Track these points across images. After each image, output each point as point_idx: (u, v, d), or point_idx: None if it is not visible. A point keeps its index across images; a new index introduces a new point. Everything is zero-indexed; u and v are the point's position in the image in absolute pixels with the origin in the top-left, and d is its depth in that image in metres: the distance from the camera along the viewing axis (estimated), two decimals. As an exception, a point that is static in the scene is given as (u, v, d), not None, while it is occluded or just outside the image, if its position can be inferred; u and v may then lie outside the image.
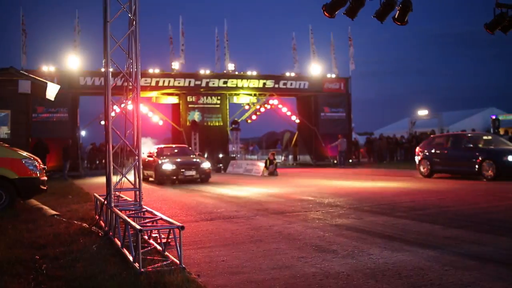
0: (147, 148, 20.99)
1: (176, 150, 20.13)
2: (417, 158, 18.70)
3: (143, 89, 25.47)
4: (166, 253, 5.65)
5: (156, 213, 6.69)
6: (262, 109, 32.15)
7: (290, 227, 7.73)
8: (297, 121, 31.74)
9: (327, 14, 11.48)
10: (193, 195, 13.45)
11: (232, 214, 9.45)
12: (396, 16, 11.81)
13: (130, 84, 7.79)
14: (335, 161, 28.30)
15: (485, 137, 17.84)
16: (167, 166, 17.73)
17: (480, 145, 16.53)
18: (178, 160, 18.30)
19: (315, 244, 6.40)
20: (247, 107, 31.69)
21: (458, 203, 10.07)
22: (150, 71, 27.26)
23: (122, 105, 8.06)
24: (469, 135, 18.26)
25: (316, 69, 30.88)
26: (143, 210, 7.25)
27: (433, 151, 17.88)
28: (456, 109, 48.59)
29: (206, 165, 18.40)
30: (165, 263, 5.29)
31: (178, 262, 5.17)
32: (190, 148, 22.58)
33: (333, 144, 28.01)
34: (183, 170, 17.76)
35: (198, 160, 18.84)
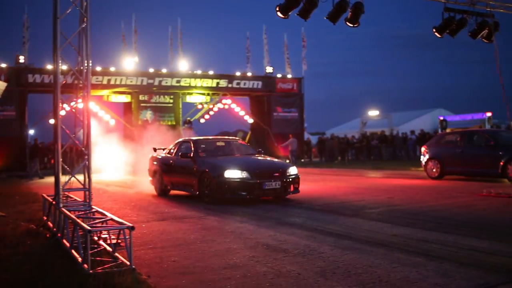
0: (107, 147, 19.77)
1: (222, 144, 13.14)
2: (423, 158, 16.65)
3: (94, 88, 24.97)
4: (116, 254, 5.58)
5: (106, 213, 6.60)
6: (215, 109, 32.06)
7: (242, 227, 7.75)
8: (250, 120, 31.82)
9: (280, 15, 11.56)
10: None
11: (184, 214, 9.41)
12: (348, 18, 12.00)
13: (81, 82, 7.66)
14: (288, 161, 28.50)
15: (504, 134, 15.88)
16: (234, 173, 10.56)
17: (503, 143, 14.24)
18: (247, 162, 11.45)
19: (267, 243, 6.44)
20: (200, 106, 31.54)
21: (405, 202, 10.32)
22: (101, 69, 26.76)
23: (72, 104, 7.92)
24: (488, 131, 16.57)
25: (269, 69, 31.07)
26: (93, 210, 7.14)
27: (444, 150, 15.91)
28: (405, 110, 49.72)
29: (294, 170, 11.34)
30: (114, 264, 5.22)
31: (128, 263, 5.11)
32: (244, 142, 14.91)
33: (283, 144, 28.21)
34: (261, 180, 10.59)
35: (279, 162, 12.49)
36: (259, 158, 12.44)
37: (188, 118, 30.32)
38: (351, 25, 12.05)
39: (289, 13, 11.55)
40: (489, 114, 33.34)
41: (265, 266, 5.27)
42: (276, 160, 12.99)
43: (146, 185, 13.79)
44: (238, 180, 10.54)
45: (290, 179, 11.03)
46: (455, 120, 36.30)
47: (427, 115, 42.85)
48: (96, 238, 6.38)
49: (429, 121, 39.74)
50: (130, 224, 5.32)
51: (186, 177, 11.78)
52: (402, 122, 40.39)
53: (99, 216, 6.75)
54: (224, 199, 10.55)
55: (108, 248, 5.92)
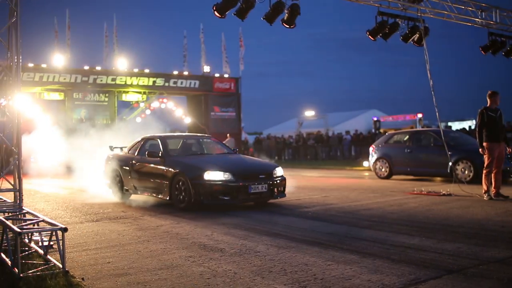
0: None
1: (194, 142, 11.87)
2: (371, 158, 16.60)
3: (25, 85, 24.18)
4: (48, 256, 5.42)
5: (37, 214, 6.40)
6: (152, 107, 31.70)
7: (178, 227, 7.71)
8: (188, 120, 31.64)
9: (217, 14, 11.53)
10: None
11: (119, 214, 9.24)
12: (284, 19, 12.13)
13: (10, 78, 7.39)
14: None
15: (452, 135, 15.92)
16: (215, 175, 9.33)
17: (452, 143, 14.16)
18: (229, 162, 10.30)
19: (203, 243, 6.43)
20: (136, 105, 31.09)
21: (340, 201, 10.54)
22: (33, 65, 25.86)
23: (1, 101, 7.64)
24: (437, 131, 15.80)
25: (206, 68, 31.00)
26: (24, 211, 6.91)
27: (392, 149, 15.98)
28: (341, 111, 50.82)
29: (280, 171, 10.32)
30: (46, 267, 5.08)
31: (60, 265, 4.98)
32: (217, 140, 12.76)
33: None
34: (246, 183, 9.41)
35: (264, 162, 11.36)
36: (242, 157, 11.35)
37: (124, 117, 29.82)
38: (288, 26, 12.18)
39: (226, 13, 11.55)
40: (420, 115, 34.55)
41: (202, 266, 5.26)
42: (260, 159, 11.79)
43: (100, 189, 12.21)
44: (220, 183, 9.21)
45: (277, 181, 9.93)
46: (388, 121, 37.43)
47: (362, 115, 43.94)
48: (27, 240, 6.17)
49: (364, 122, 40.75)
50: (63, 225, 5.18)
51: (153, 180, 10.33)
52: (338, 123, 41.24)
53: (30, 217, 6.53)
54: (201, 205, 9.33)
55: (40, 251, 5.74)
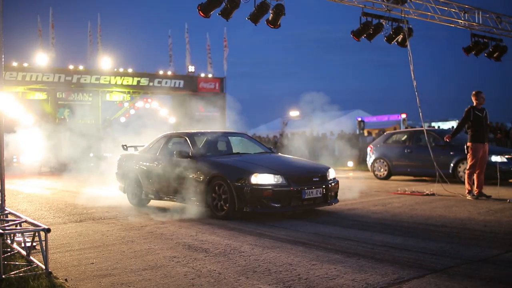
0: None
1: (228, 140, 10.53)
2: (369, 158, 16.28)
3: (8, 84, 23.94)
4: (31, 257, 5.37)
5: (20, 215, 6.34)
6: (137, 107, 31.52)
7: (163, 227, 7.68)
8: (172, 120, 31.51)
9: (202, 14, 11.52)
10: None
11: (103, 215, 9.17)
12: (269, 19, 12.15)
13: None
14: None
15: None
16: (264, 178, 8.09)
17: (453, 143, 13.14)
18: (278, 163, 9.10)
19: (188, 243, 6.42)
20: (120, 105, 30.89)
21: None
22: (17, 64, 25.55)
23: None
24: (438, 131, 16.16)
25: (191, 68, 30.95)
26: (6, 212, 6.83)
27: (391, 149, 15.63)
28: (325, 111, 50.96)
29: (333, 173, 9.11)
30: (29, 268, 5.03)
31: (43, 266, 4.93)
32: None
33: None
34: (299, 187, 8.17)
35: (315, 163, 9.96)
36: (287, 157, 10.02)
37: (108, 117, 29.62)
38: (272, 27, 12.21)
39: (211, 13, 11.54)
40: (403, 115, 34.72)
41: (186, 266, 5.25)
42: (308, 160, 10.53)
43: (112, 193, 11.40)
44: (270, 187, 8.00)
45: (332, 185, 8.76)
46: (372, 121, 37.60)
47: (346, 116, 44.05)
48: (9, 241, 6.11)
49: (348, 122, 40.83)
50: (46, 226, 5.13)
51: (182, 184, 8.95)
52: (323, 123, 41.27)
53: (13, 218, 6.47)
54: (246, 213, 8.10)
55: (22, 252, 5.68)
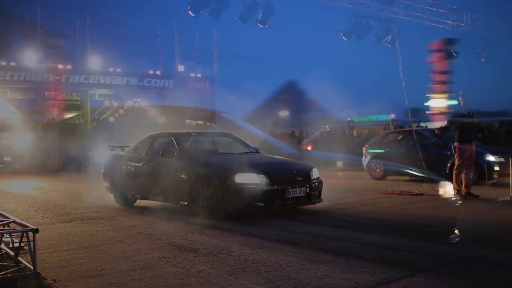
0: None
1: (213, 140, 10.66)
2: (365, 158, 15.96)
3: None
4: (19, 258, 5.33)
5: (7, 215, 6.28)
6: (126, 107, 31.40)
7: (152, 227, 7.65)
8: (162, 119, 31.41)
9: (192, 13, 11.53)
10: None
11: (92, 215, 9.13)
12: (259, 19, 12.17)
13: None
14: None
15: (450, 134, 14.09)
16: (248, 177, 8.11)
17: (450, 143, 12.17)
18: (262, 162, 9.06)
19: (177, 243, 6.40)
20: (109, 104, 30.76)
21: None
22: (5, 64, 25.39)
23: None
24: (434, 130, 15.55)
25: (180, 68, 30.89)
26: (-7, 212, 6.78)
27: (386, 149, 15.32)
28: (315, 111, 50.94)
29: (316, 172, 9.03)
30: (17, 268, 4.99)
31: (31, 267, 4.90)
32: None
33: None
34: (282, 186, 8.23)
35: (299, 162, 10.30)
36: (272, 157, 10.13)
37: (97, 117, 29.50)
38: (262, 26, 12.23)
39: (201, 12, 11.55)
40: (392, 116, 34.81)
41: (175, 266, 5.24)
42: (292, 160, 10.72)
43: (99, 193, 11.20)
44: (254, 186, 8.00)
45: (315, 184, 8.76)
46: (361, 121, 37.65)
47: (335, 116, 44.04)
48: (-4, 242, 6.07)
49: (337, 122, 40.88)
50: (34, 226, 5.09)
51: (168, 183, 8.91)
52: (312, 123, 41.33)
53: (1, 218, 6.41)
54: (232, 212, 8.13)
55: (10, 252, 5.63)
